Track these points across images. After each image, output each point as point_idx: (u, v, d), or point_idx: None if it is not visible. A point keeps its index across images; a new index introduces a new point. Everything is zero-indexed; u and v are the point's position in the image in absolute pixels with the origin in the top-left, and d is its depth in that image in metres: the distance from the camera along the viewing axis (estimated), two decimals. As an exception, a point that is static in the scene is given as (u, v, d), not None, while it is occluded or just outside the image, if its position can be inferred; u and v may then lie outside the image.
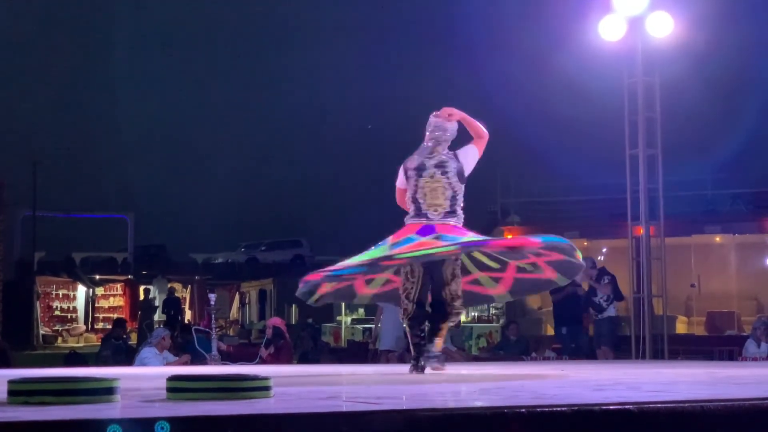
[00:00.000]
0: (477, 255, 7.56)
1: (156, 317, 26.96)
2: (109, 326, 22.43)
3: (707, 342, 18.19)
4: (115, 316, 28.65)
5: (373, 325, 17.85)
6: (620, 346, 14.68)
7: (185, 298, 31.64)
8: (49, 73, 66.98)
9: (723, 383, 6.34)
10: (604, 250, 20.81)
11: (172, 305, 27.28)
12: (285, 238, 39.59)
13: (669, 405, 4.10)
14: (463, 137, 7.68)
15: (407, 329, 7.51)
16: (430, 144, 7.49)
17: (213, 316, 13.81)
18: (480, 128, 7.56)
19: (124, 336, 15.75)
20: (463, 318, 22.17)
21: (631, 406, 3.91)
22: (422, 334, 7.45)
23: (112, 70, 69.92)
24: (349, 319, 23.91)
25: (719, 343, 17.63)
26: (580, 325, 14.89)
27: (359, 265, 7.04)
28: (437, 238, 7.07)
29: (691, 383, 6.66)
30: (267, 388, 4.30)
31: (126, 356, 14.28)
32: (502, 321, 20.94)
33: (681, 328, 20.14)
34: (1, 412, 3.66)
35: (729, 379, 6.65)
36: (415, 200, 7.41)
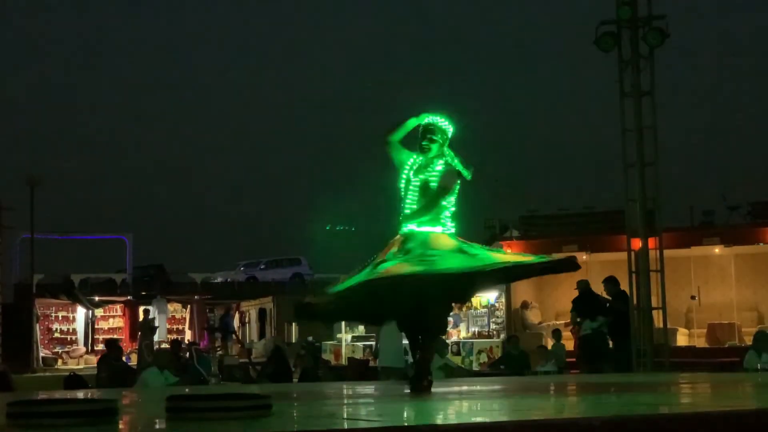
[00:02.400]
0: None
1: (155, 337, 26.83)
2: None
3: (708, 354, 18.14)
4: (116, 337, 28.54)
5: (373, 342, 17.83)
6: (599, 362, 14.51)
7: (185, 318, 31.57)
8: (47, 94, 67.03)
9: (724, 395, 6.33)
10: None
11: (228, 323, 27.01)
12: (284, 256, 39.55)
13: (668, 417, 4.10)
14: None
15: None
16: None
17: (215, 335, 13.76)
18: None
19: (115, 358, 15.62)
20: (463, 333, 22.14)
21: (630, 419, 3.91)
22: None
23: (109, 90, 70.00)
24: (349, 337, 23.83)
25: (720, 355, 17.58)
26: (627, 340, 14.71)
27: None
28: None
29: (692, 395, 6.65)
30: (267, 407, 4.28)
31: (124, 377, 14.21)
32: (503, 336, 20.88)
33: (682, 340, 20.09)
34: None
35: (730, 391, 6.64)
36: None
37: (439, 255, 6.78)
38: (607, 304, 14.56)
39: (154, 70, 72.29)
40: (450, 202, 7.09)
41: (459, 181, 7.14)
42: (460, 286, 6.91)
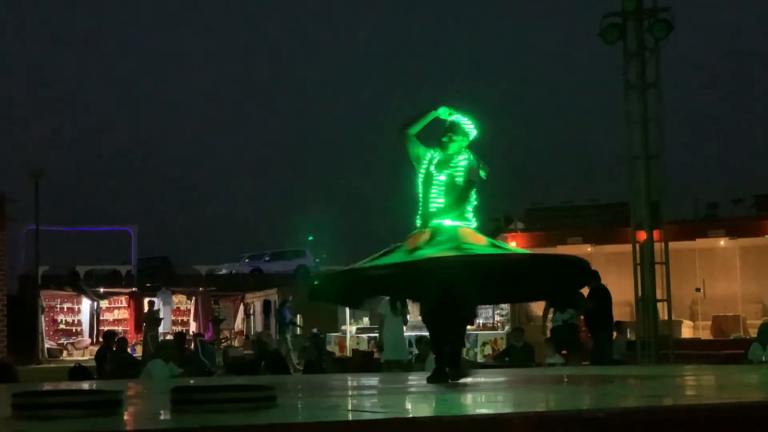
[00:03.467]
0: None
1: (160, 329, 26.87)
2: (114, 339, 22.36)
3: (713, 346, 18.15)
4: (121, 328, 28.57)
5: (377, 334, 17.84)
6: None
7: (189, 310, 31.59)
8: (51, 87, 67.08)
9: (729, 387, 6.32)
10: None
11: (285, 314, 26.29)
12: (289, 248, 39.55)
13: (673, 409, 4.10)
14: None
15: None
16: None
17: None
18: None
19: (121, 349, 15.61)
20: (468, 326, 22.16)
21: (635, 411, 3.90)
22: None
23: (111, 81, 70.04)
24: (353, 329, 23.84)
25: (725, 347, 17.58)
26: (602, 333, 14.77)
27: None
28: None
29: (697, 387, 6.65)
30: (271, 398, 4.29)
31: (129, 368, 14.22)
32: (507, 328, 20.87)
33: (687, 332, 20.11)
34: (7, 427, 3.65)
35: (735, 383, 6.64)
36: None
37: (476, 247, 6.80)
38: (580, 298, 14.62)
39: (153, 64, 72.31)
40: (473, 198, 7.11)
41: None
42: (497, 273, 6.89)
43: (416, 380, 7.78)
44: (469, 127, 7.20)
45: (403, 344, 15.52)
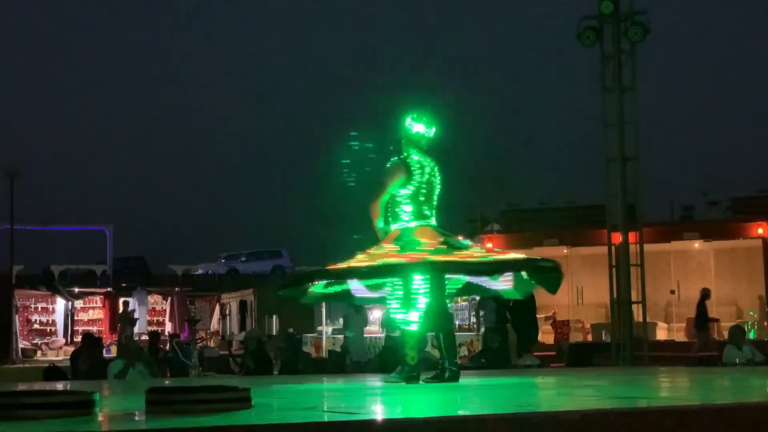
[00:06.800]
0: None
1: (136, 329, 26.75)
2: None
3: (687, 348, 18.24)
4: (95, 328, 28.41)
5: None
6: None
7: (165, 310, 31.47)
8: (27, 85, 66.70)
9: (702, 389, 6.36)
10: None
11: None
12: (265, 248, 39.50)
13: (647, 410, 4.12)
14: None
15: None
16: None
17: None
18: None
19: (98, 350, 15.46)
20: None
21: (610, 413, 3.92)
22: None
23: (93, 79, 69.73)
24: (330, 329, 23.82)
25: (699, 349, 17.67)
26: (534, 333, 15.24)
27: None
28: None
29: (671, 389, 6.69)
30: (247, 399, 4.28)
31: (104, 369, 14.10)
32: (482, 329, 20.89)
33: (661, 334, 20.20)
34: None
35: (708, 385, 6.68)
36: None
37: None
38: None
39: (134, 60, 72.02)
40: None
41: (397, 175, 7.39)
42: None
43: (392, 381, 7.77)
44: (417, 127, 7.50)
45: (364, 347, 15.93)
